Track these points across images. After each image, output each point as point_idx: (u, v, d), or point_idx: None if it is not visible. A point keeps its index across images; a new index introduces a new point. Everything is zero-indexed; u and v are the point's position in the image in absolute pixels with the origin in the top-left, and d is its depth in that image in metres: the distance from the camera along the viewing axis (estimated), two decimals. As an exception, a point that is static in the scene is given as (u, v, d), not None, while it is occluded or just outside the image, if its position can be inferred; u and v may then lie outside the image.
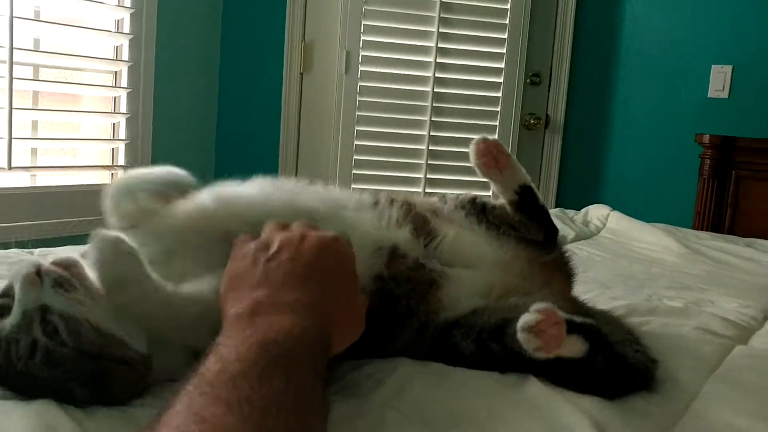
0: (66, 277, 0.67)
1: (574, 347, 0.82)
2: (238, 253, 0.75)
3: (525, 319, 0.79)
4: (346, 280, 0.76)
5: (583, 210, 2.39)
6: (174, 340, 0.72)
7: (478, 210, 1.08)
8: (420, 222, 1.01)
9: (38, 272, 0.67)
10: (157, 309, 0.70)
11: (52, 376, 0.65)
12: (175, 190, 0.87)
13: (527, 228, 1.06)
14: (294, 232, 0.77)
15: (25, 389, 0.67)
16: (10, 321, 0.65)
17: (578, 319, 0.83)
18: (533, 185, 1.08)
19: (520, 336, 0.79)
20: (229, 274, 0.73)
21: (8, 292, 0.68)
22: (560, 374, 0.83)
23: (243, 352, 0.57)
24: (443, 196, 1.14)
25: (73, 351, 0.65)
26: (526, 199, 1.06)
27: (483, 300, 0.93)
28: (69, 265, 0.69)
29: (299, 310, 0.66)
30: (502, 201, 1.09)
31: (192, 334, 0.71)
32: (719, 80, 3.09)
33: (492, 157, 1.05)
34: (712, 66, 3.10)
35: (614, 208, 2.41)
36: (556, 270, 1.06)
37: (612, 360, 0.85)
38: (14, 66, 2.42)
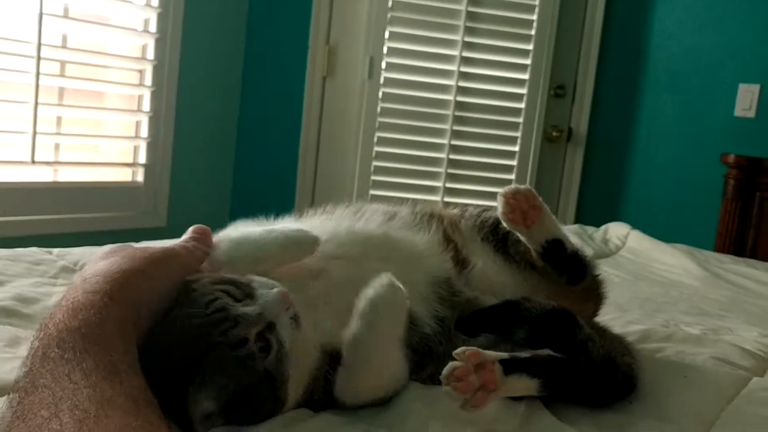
0: (299, 317, 0.73)
1: (517, 387, 0.79)
2: None
3: (445, 370, 0.75)
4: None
5: (603, 227, 2.37)
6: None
7: (498, 238, 1.04)
8: (454, 248, 1.00)
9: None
10: None
11: (229, 375, 0.66)
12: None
13: (549, 274, 1.01)
14: None
15: (207, 367, 0.66)
16: (246, 310, 0.68)
17: (523, 354, 0.81)
18: (563, 237, 1.01)
19: (444, 390, 0.75)
20: None
21: (240, 285, 0.72)
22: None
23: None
24: (465, 209, 1.10)
25: (263, 372, 0.68)
26: (552, 252, 1.00)
27: None
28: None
29: (80, 295, 0.63)
30: None
31: None
32: (746, 99, 3.05)
33: (520, 213, 0.97)
34: (740, 85, 3.06)
35: (634, 225, 2.38)
36: (583, 301, 1.04)
37: (596, 362, 0.85)
38: (41, 62, 2.45)
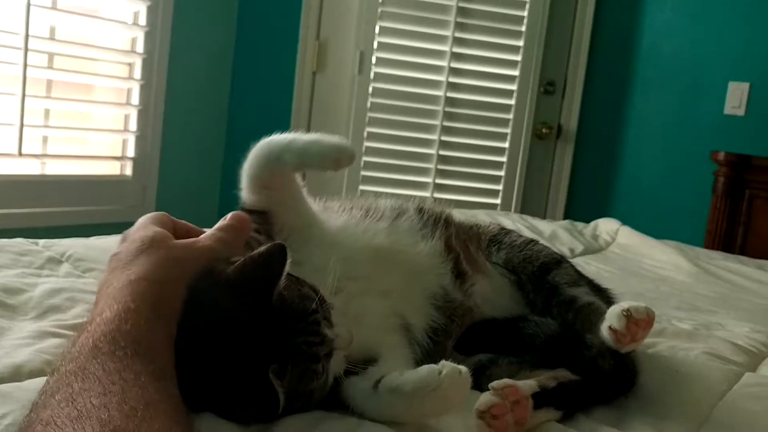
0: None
1: (542, 418, 0.78)
2: None
3: (479, 402, 0.73)
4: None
5: (592, 223, 2.36)
6: None
7: (542, 287, 0.97)
8: (455, 258, 0.98)
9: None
10: None
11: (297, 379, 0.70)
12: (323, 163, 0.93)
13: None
14: None
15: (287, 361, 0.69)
16: (330, 335, 0.72)
17: (551, 383, 0.80)
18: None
19: (476, 425, 0.72)
20: None
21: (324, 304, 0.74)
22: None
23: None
24: (507, 232, 1.05)
25: (309, 391, 0.71)
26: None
27: None
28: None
29: (119, 296, 0.66)
30: (587, 299, 0.95)
31: None
32: (736, 97, 3.06)
33: (631, 338, 0.85)
34: (730, 83, 3.07)
35: (624, 221, 2.38)
36: None
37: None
38: (29, 53, 2.42)
